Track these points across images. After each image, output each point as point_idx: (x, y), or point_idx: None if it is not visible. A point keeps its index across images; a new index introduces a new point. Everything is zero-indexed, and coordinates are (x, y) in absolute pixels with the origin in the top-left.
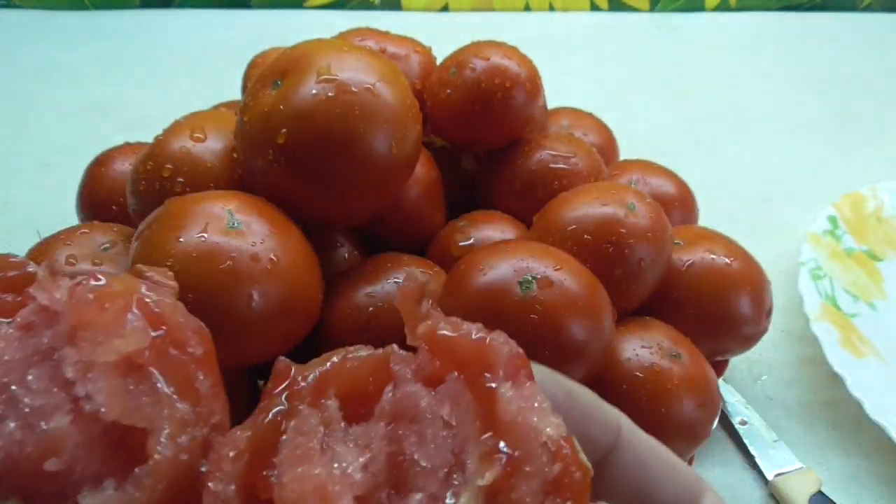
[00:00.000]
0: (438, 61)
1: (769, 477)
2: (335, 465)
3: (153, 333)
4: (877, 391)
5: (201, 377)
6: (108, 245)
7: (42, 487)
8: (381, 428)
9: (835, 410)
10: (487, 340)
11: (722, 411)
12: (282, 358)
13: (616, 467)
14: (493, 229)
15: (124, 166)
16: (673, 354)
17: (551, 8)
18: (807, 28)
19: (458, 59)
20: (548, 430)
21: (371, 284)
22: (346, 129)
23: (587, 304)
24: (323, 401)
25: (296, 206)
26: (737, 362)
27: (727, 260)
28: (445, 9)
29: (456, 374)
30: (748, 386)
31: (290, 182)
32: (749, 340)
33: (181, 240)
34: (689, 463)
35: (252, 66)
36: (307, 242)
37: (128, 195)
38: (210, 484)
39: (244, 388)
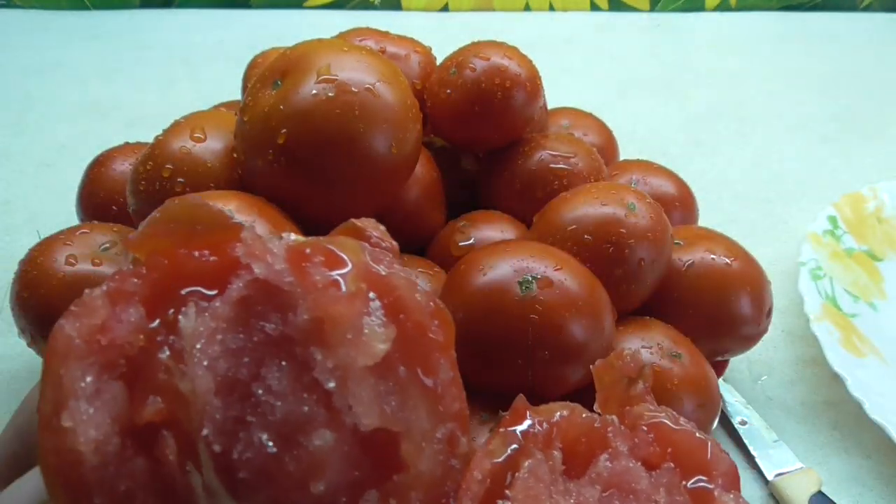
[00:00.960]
0: (438, 61)
1: (769, 477)
2: None
3: (396, 321)
4: (877, 391)
5: (443, 364)
6: (108, 245)
7: (299, 501)
8: (597, 492)
9: (835, 410)
10: (711, 444)
11: (722, 411)
12: (521, 396)
13: None
14: (493, 229)
15: (124, 166)
16: (673, 354)
17: (551, 8)
18: (807, 28)
19: (458, 59)
20: None
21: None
22: (346, 129)
23: (587, 304)
24: (550, 448)
25: (296, 206)
26: (737, 362)
27: (727, 260)
28: (445, 9)
29: (672, 465)
30: (748, 386)
31: (290, 182)
32: (749, 340)
33: None
34: None
35: (252, 66)
36: None
37: (128, 195)
38: (464, 499)
39: None
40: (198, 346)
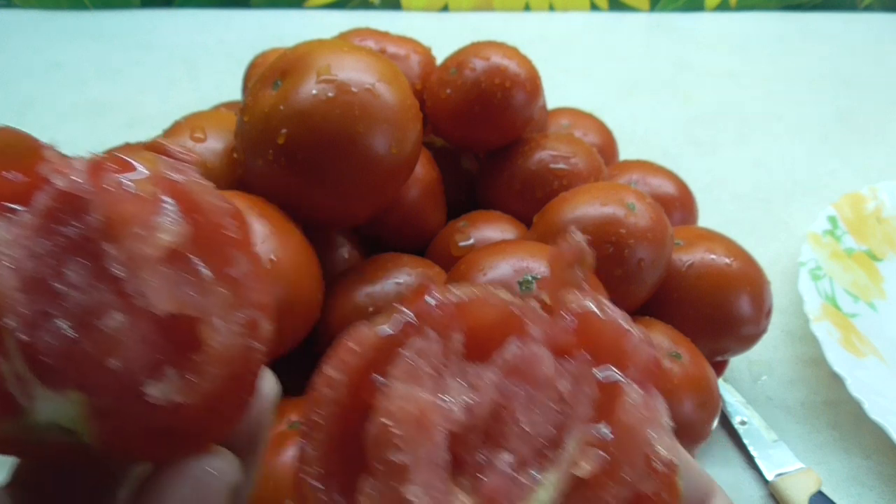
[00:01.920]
0: (438, 61)
1: (769, 477)
2: (442, 396)
3: (189, 219)
4: (877, 391)
5: (240, 259)
6: None
7: (103, 380)
8: (495, 376)
9: (835, 410)
10: (633, 336)
11: (722, 411)
12: (429, 278)
13: None
14: (493, 229)
15: None
16: (673, 354)
17: (551, 8)
18: (807, 28)
19: (458, 59)
20: (659, 447)
21: (371, 284)
22: (345, 129)
23: None
24: (452, 331)
25: (296, 206)
26: (737, 362)
27: (727, 260)
28: (445, 9)
29: (587, 355)
30: (748, 386)
31: (290, 182)
32: (749, 340)
33: None
34: None
35: (252, 66)
36: (307, 242)
37: None
38: (327, 368)
39: None
40: (3, 250)
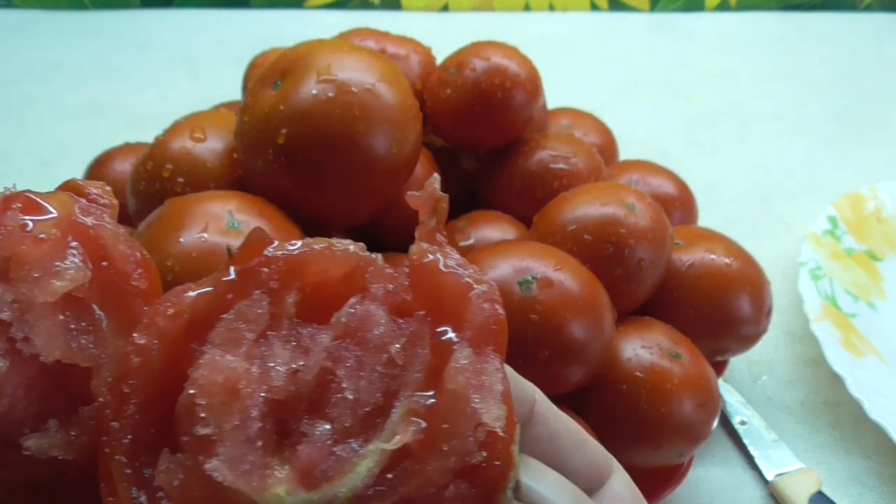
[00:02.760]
0: (438, 61)
1: (769, 477)
2: (262, 363)
3: (93, 266)
4: (877, 391)
5: (147, 311)
6: None
7: None
8: (328, 339)
9: (835, 410)
10: (474, 291)
11: (722, 411)
12: (258, 229)
13: (528, 439)
14: (493, 229)
15: (124, 166)
16: (673, 354)
17: (551, 8)
18: (807, 28)
19: (458, 59)
20: (485, 415)
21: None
22: (345, 129)
23: (587, 304)
24: (284, 292)
25: (296, 206)
26: (737, 362)
27: (727, 260)
28: (445, 9)
29: (426, 313)
30: (748, 386)
31: (290, 182)
32: (749, 340)
33: (181, 240)
34: (689, 463)
35: (252, 66)
36: None
37: (128, 195)
38: (136, 335)
39: None
40: None
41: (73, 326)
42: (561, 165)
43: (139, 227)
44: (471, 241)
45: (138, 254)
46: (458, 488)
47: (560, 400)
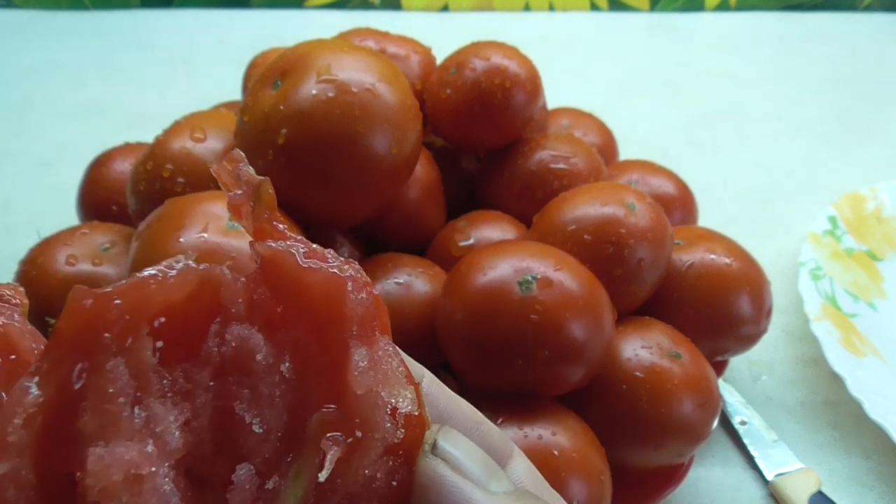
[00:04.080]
0: (438, 61)
1: (769, 477)
2: (149, 433)
3: (0, 359)
4: (877, 391)
5: None
6: (108, 245)
7: None
8: (207, 376)
9: (835, 410)
10: (344, 283)
11: (722, 411)
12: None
13: None
14: (493, 229)
15: (124, 166)
16: (673, 354)
17: (551, 8)
18: (807, 28)
19: (458, 59)
20: (400, 404)
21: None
22: (346, 129)
23: (587, 304)
24: (133, 342)
25: (296, 206)
26: (737, 362)
27: (727, 260)
28: (445, 9)
29: (300, 318)
30: (748, 386)
31: (290, 182)
32: (749, 340)
33: (181, 240)
34: (689, 463)
35: (252, 66)
36: None
37: (128, 195)
38: None
39: None
40: None
41: None
42: (561, 165)
43: (139, 227)
44: (471, 241)
45: (42, 345)
46: (386, 465)
47: (560, 400)
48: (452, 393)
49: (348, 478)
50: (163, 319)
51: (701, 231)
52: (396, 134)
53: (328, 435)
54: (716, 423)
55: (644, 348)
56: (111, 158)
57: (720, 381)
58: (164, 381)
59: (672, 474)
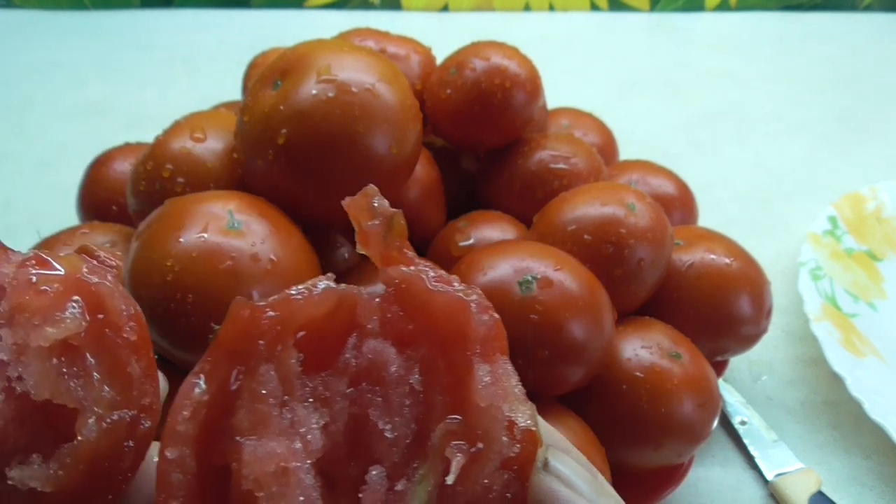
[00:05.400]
0: (438, 61)
1: (769, 477)
2: (294, 433)
3: (90, 318)
4: (877, 391)
5: (134, 361)
6: (108, 245)
7: None
8: (344, 385)
9: (835, 410)
10: (469, 305)
11: (722, 411)
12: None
13: None
14: (493, 229)
15: (124, 166)
16: (673, 354)
17: (551, 8)
18: (807, 28)
19: (458, 59)
20: (519, 419)
21: (371, 284)
22: (345, 129)
23: (587, 304)
24: (281, 351)
25: (296, 206)
26: (737, 362)
27: (727, 260)
28: (445, 9)
29: (429, 337)
30: (748, 386)
31: (290, 182)
32: (749, 340)
33: (181, 240)
34: (689, 463)
35: (252, 66)
36: (307, 242)
37: (128, 195)
38: (166, 451)
39: None
40: None
41: (65, 370)
42: (561, 165)
43: (139, 227)
44: (471, 241)
45: (132, 309)
46: (502, 478)
47: (560, 400)
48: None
49: (468, 486)
50: (305, 333)
51: (701, 231)
52: (396, 134)
53: (453, 443)
54: (716, 423)
55: (644, 348)
56: (111, 158)
57: (720, 381)
58: (307, 388)
59: (672, 474)
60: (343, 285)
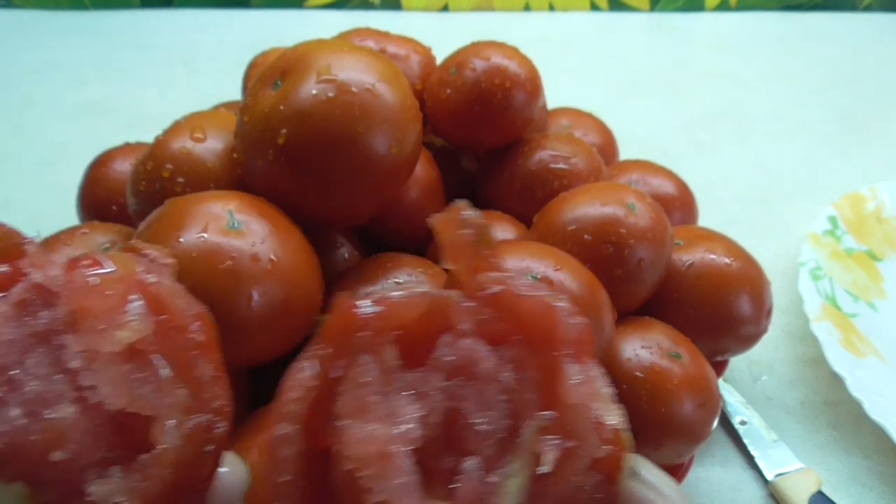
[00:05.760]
0: (438, 61)
1: (769, 477)
2: (394, 420)
3: (154, 319)
4: (877, 391)
5: (203, 362)
6: (108, 245)
7: (48, 474)
8: (438, 381)
9: (835, 410)
10: (560, 310)
11: (722, 411)
12: (344, 292)
13: None
14: (493, 229)
15: (124, 166)
16: (673, 354)
17: (551, 8)
18: (807, 28)
19: (458, 59)
20: (609, 419)
21: (371, 284)
22: (345, 129)
23: (587, 304)
24: (381, 344)
25: (296, 206)
26: (737, 362)
27: (727, 260)
28: (445, 9)
29: (520, 337)
30: (748, 386)
31: (290, 182)
32: (749, 340)
33: (181, 240)
34: (689, 463)
35: (252, 66)
36: (307, 242)
37: (128, 195)
38: (278, 426)
39: (243, 388)
40: None
41: (135, 376)
42: (561, 165)
43: (139, 227)
44: None
45: (196, 307)
46: (591, 479)
47: None
48: None
49: (559, 483)
50: (400, 332)
51: (701, 231)
52: (396, 134)
53: (545, 437)
54: (716, 423)
55: (644, 348)
56: (111, 158)
57: (720, 381)
58: (404, 381)
59: (672, 474)
60: (437, 290)
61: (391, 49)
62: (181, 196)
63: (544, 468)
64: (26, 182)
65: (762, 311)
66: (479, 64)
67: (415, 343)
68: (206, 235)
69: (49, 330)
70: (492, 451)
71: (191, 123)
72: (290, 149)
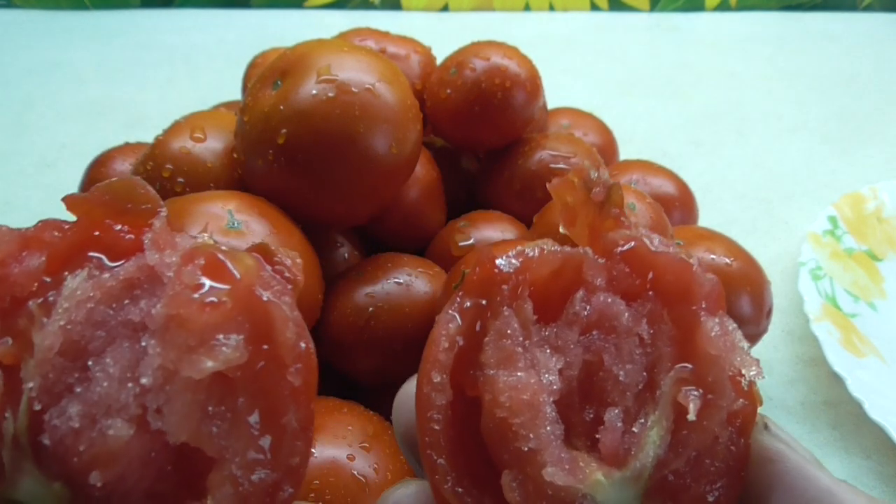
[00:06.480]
0: (438, 61)
1: None
2: (538, 371)
3: (253, 347)
4: (877, 391)
5: (293, 410)
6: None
7: (88, 489)
8: (575, 335)
9: (835, 410)
10: (693, 266)
11: None
12: (487, 247)
13: None
14: (493, 229)
15: (124, 166)
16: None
17: (551, 8)
18: (807, 28)
19: (458, 59)
20: (746, 371)
21: (371, 284)
22: (345, 129)
23: None
24: (520, 300)
25: (296, 206)
26: None
27: (727, 260)
28: (445, 9)
29: (653, 293)
30: None
31: (290, 182)
32: (749, 340)
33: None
34: None
35: (252, 66)
36: (307, 242)
37: None
38: (429, 372)
39: None
40: (65, 305)
41: (211, 409)
42: (561, 165)
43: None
44: (471, 241)
45: (303, 344)
46: (726, 431)
47: None
48: None
49: (698, 433)
50: (534, 288)
51: (701, 231)
52: (396, 134)
53: (687, 388)
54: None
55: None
56: (111, 158)
57: None
58: (542, 335)
59: None
60: (567, 248)
61: (391, 49)
62: (181, 196)
63: (691, 416)
64: (26, 182)
65: (762, 310)
66: (479, 64)
67: (548, 299)
68: (206, 235)
69: (141, 323)
70: (631, 403)
71: (191, 123)
72: (290, 149)
